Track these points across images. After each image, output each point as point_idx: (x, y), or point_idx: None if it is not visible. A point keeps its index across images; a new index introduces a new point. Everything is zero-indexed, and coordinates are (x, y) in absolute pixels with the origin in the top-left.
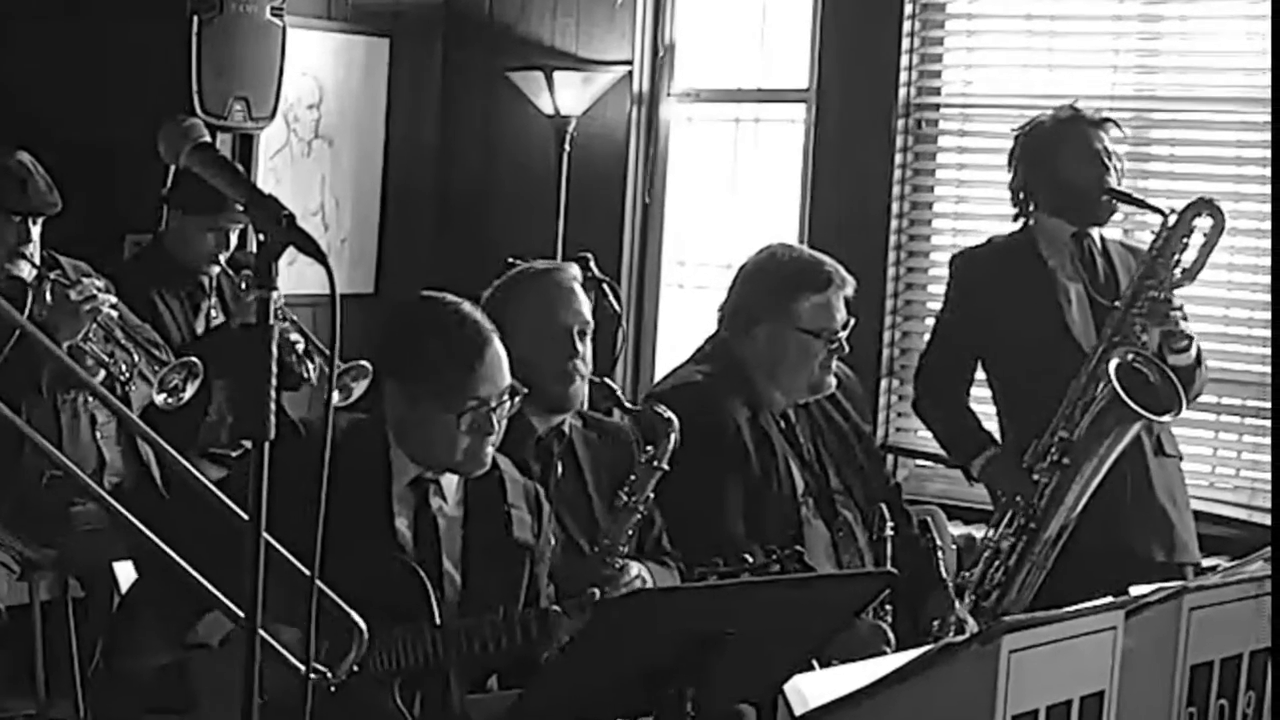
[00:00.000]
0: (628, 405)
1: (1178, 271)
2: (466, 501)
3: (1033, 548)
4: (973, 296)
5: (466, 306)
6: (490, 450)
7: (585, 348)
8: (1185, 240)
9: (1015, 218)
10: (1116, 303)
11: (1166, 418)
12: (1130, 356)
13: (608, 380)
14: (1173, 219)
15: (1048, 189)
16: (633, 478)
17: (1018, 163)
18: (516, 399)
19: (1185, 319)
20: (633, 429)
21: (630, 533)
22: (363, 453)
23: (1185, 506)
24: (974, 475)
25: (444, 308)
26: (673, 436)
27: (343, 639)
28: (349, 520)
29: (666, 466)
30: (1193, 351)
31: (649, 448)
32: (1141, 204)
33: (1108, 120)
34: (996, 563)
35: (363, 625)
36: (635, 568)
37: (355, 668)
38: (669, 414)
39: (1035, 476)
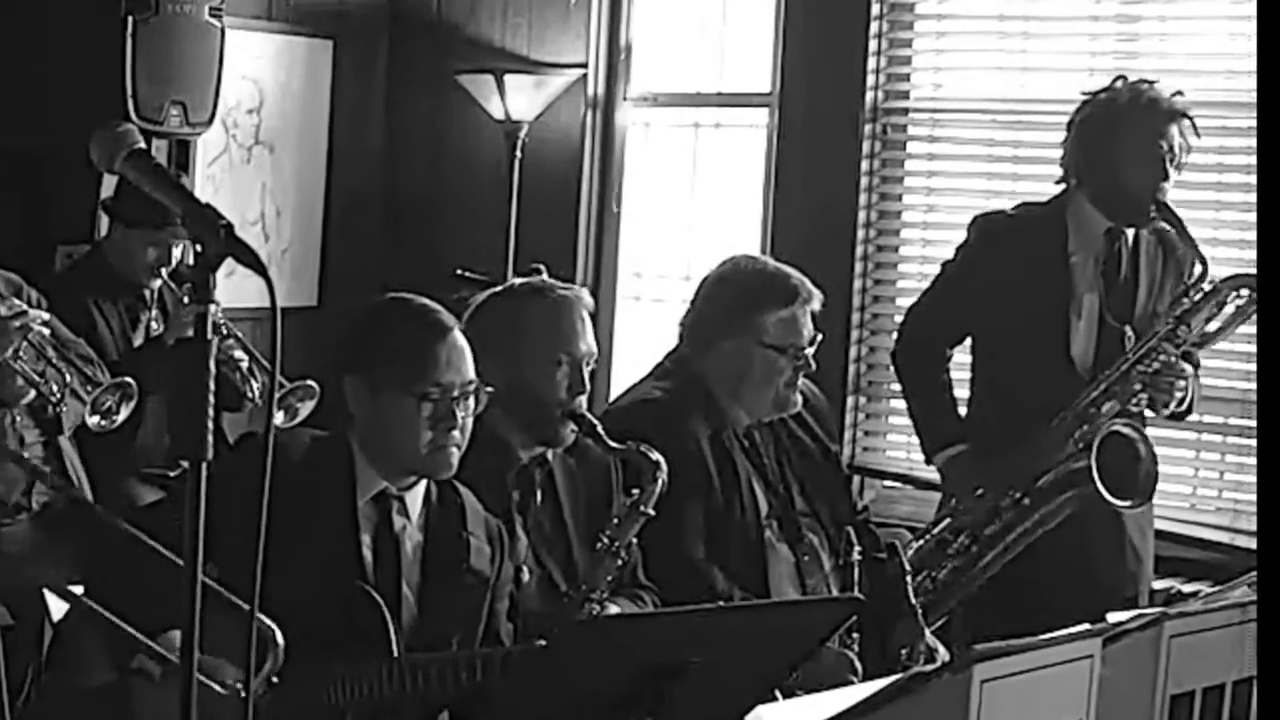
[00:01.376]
0: (612, 444)
1: (1196, 336)
2: (426, 526)
3: (966, 569)
4: (986, 264)
5: (427, 301)
6: (455, 451)
7: (588, 380)
8: (1217, 311)
9: (1057, 182)
10: (1127, 326)
11: (1130, 505)
12: (1125, 428)
13: (588, 414)
14: (1208, 284)
15: (1097, 177)
16: (615, 521)
17: (1075, 135)
18: (482, 398)
19: (1189, 389)
20: (613, 460)
21: (610, 578)
22: (328, 468)
23: (1150, 530)
24: (934, 463)
25: (405, 300)
26: (660, 480)
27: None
28: (313, 538)
29: (652, 511)
30: (1185, 405)
31: (634, 491)
32: (1188, 239)
33: (1185, 115)
34: (926, 569)
35: (279, 635)
36: (613, 610)
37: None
38: (656, 456)
39: (996, 488)
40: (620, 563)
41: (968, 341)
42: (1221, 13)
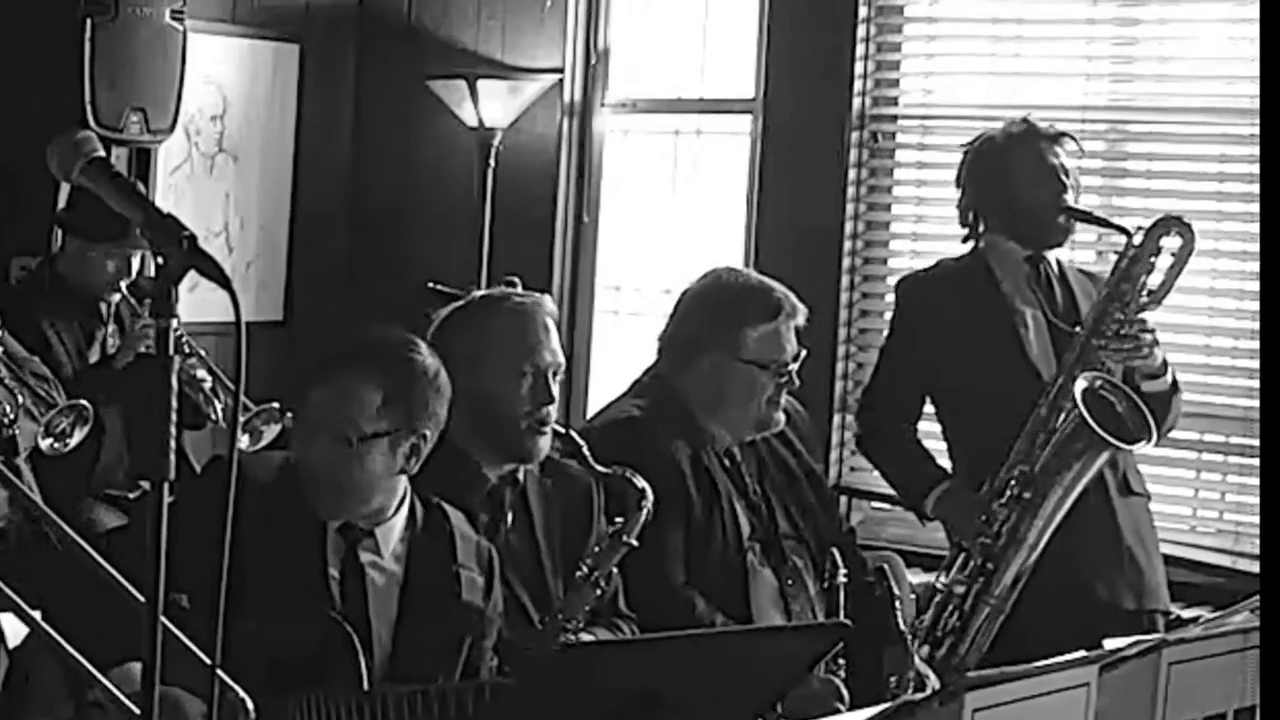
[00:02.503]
0: (597, 467)
1: (1144, 295)
2: (409, 558)
3: (990, 591)
4: (920, 324)
5: (396, 335)
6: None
7: (556, 391)
8: (1152, 261)
9: (965, 239)
10: (1078, 328)
11: (1137, 446)
12: (1098, 383)
13: (573, 433)
14: (1138, 238)
15: (1000, 209)
16: (596, 549)
17: (966, 180)
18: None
19: (1157, 343)
20: (595, 484)
21: (587, 608)
22: (296, 494)
23: (1155, 549)
24: (928, 513)
25: (344, 340)
26: (645, 509)
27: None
28: (277, 568)
29: (635, 542)
30: (1168, 378)
31: (618, 519)
32: (1104, 223)
33: (1063, 134)
34: (950, 607)
35: (250, 705)
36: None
37: None
38: (642, 483)
39: (995, 506)
40: (599, 593)
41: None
42: (1223, 16)
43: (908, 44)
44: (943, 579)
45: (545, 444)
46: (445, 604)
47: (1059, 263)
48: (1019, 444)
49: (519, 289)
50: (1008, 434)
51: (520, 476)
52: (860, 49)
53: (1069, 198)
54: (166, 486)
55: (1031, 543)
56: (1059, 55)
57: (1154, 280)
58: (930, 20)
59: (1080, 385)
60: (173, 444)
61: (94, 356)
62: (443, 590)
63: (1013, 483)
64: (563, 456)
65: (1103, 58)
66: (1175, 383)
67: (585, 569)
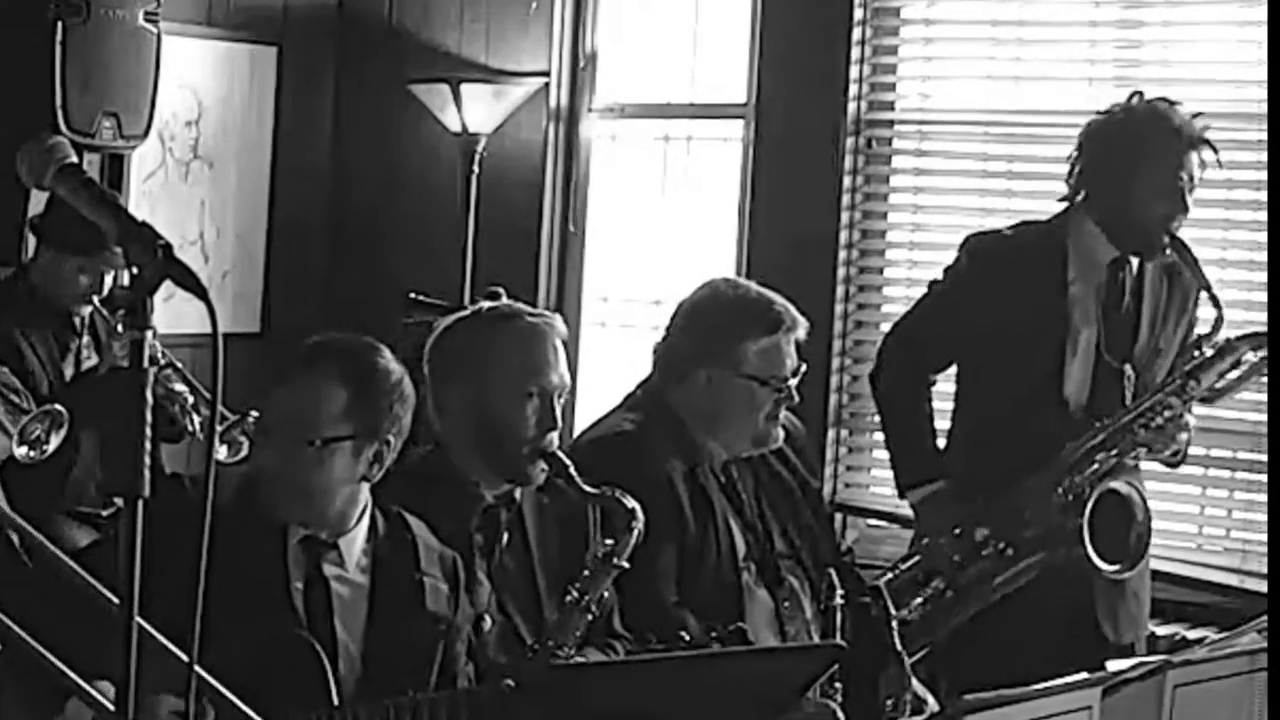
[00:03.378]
0: (585, 488)
1: (1205, 391)
2: (374, 568)
3: (936, 616)
4: (976, 291)
5: (360, 341)
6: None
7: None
8: (1230, 369)
9: (1062, 199)
10: (1126, 365)
11: (1117, 569)
12: (1123, 487)
13: (559, 453)
14: (1221, 339)
15: (1109, 201)
16: (586, 572)
17: (1088, 147)
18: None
19: (1190, 440)
20: (591, 504)
21: (578, 634)
22: (255, 510)
23: (1147, 573)
24: (909, 500)
25: (303, 344)
26: (635, 529)
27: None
28: (240, 585)
29: (626, 564)
30: (1179, 457)
31: (608, 541)
32: (1204, 282)
33: (1206, 141)
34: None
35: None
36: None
37: None
38: (632, 504)
39: (976, 533)
40: (590, 618)
41: (952, 369)
42: (1229, 18)
43: (904, 47)
44: (899, 568)
45: (544, 467)
46: (411, 614)
47: (1140, 269)
48: (1027, 486)
49: (510, 301)
50: (1013, 456)
51: (517, 495)
52: (855, 52)
53: (1180, 220)
54: (141, 504)
55: (990, 597)
56: (1061, 58)
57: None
58: (928, 22)
59: (1094, 498)
60: (148, 460)
61: (68, 368)
62: (408, 600)
63: (1002, 527)
64: (550, 478)
65: (1106, 61)
66: (1183, 460)
67: (575, 593)
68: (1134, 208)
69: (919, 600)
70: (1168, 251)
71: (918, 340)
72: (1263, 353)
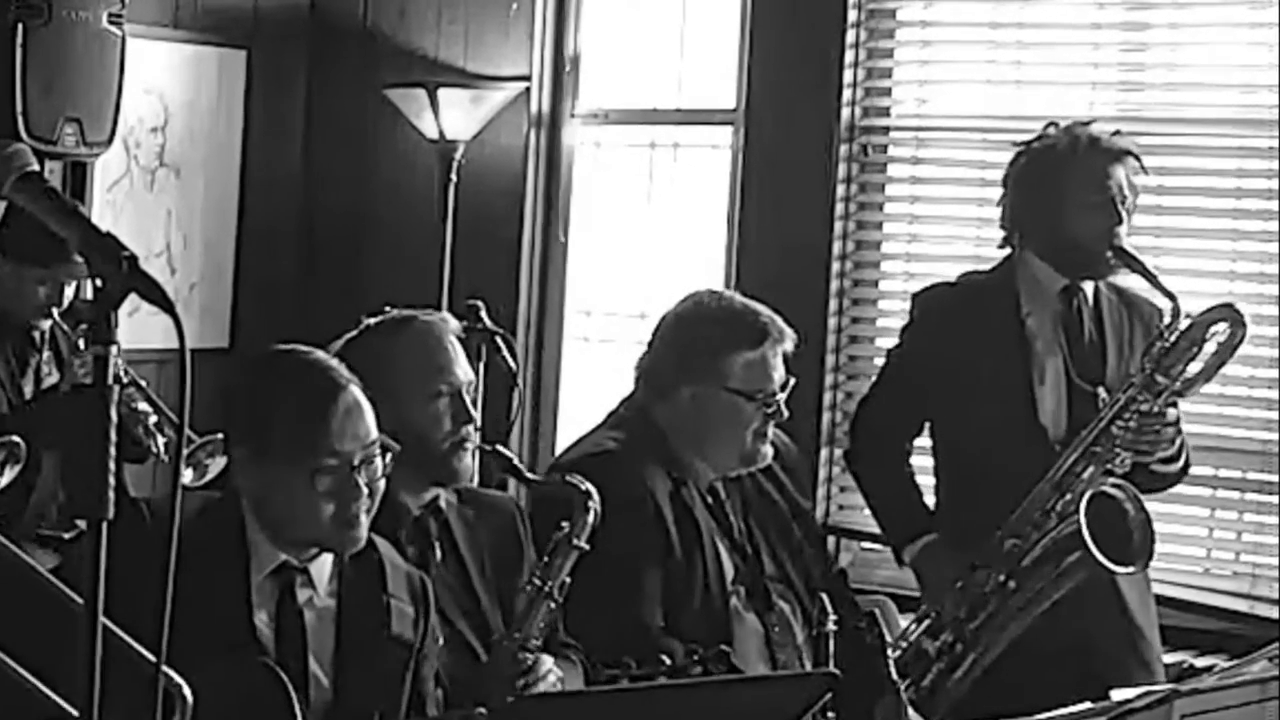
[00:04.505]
0: (528, 476)
1: (1179, 383)
2: (340, 591)
3: (953, 670)
4: (934, 344)
5: (318, 355)
6: (365, 520)
7: (474, 410)
8: (1195, 351)
9: (1001, 245)
10: (1099, 388)
11: (1131, 570)
12: (1110, 485)
13: (500, 447)
14: (1184, 320)
15: (1044, 231)
16: (545, 559)
17: (1013, 187)
18: (388, 457)
19: (1179, 433)
20: (522, 504)
21: (543, 624)
22: (216, 538)
23: (1153, 613)
24: (905, 560)
25: (288, 356)
26: (592, 510)
27: None
28: (201, 617)
29: (586, 545)
30: (1179, 463)
31: (563, 524)
32: (1153, 281)
33: (1128, 152)
34: (908, 677)
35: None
36: (548, 661)
37: None
38: (585, 484)
39: (976, 579)
40: (554, 604)
41: (926, 436)
42: (1239, 19)
43: (900, 50)
44: (912, 629)
45: (469, 465)
46: (377, 637)
47: (1095, 289)
48: (1016, 518)
49: (418, 311)
50: (1001, 495)
51: (442, 505)
52: (849, 55)
53: (1122, 231)
54: (105, 526)
55: (1006, 637)
56: (1063, 63)
57: (1191, 366)
58: (924, 24)
59: (1089, 492)
60: (112, 481)
61: (28, 385)
62: (374, 624)
63: (1000, 562)
64: (498, 472)
65: (1110, 65)
66: (1186, 465)
67: (536, 580)
68: (1068, 229)
69: (930, 659)
70: (1115, 265)
71: (888, 409)
72: (1225, 327)
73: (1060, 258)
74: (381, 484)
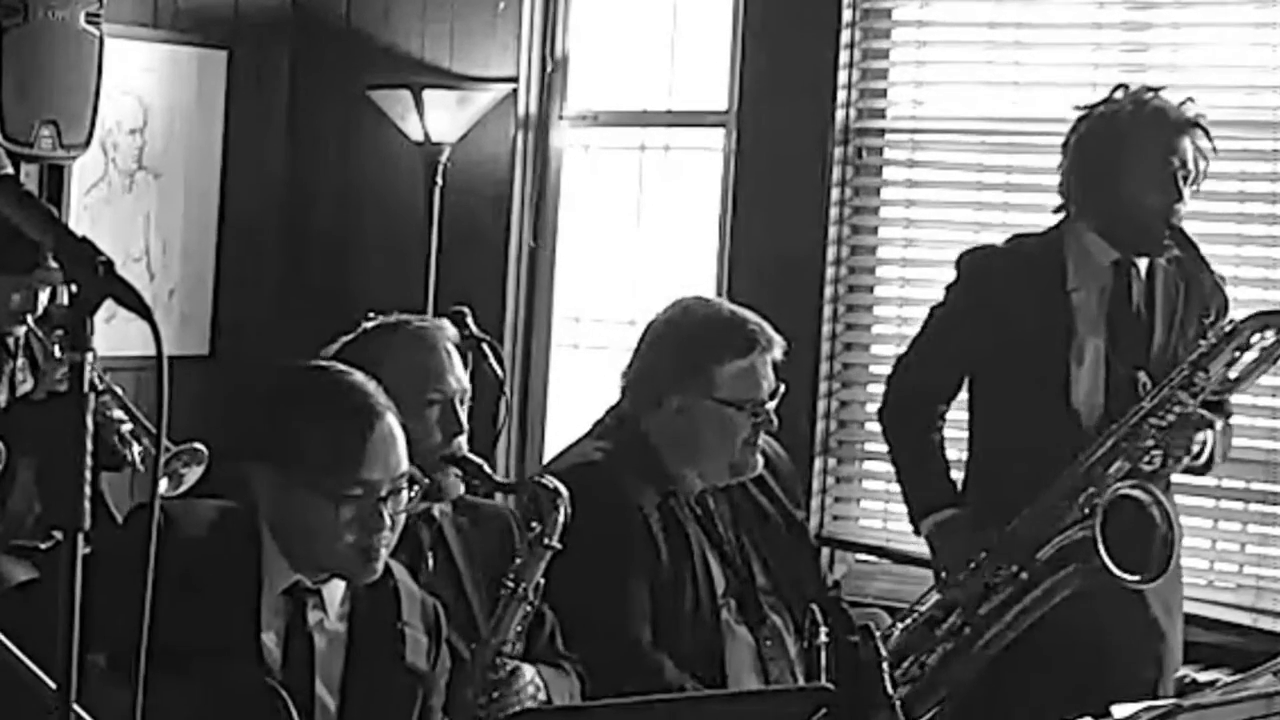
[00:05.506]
0: (499, 480)
1: (1216, 384)
2: (353, 616)
3: (958, 655)
4: (976, 307)
5: (357, 377)
6: (384, 552)
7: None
8: (1237, 355)
9: (1056, 210)
10: (1140, 371)
11: (1139, 579)
12: (1139, 492)
13: (467, 453)
14: (1227, 325)
15: (1099, 202)
16: (518, 561)
17: (1074, 153)
18: (416, 489)
19: (1210, 429)
20: (514, 511)
21: (519, 628)
22: (230, 551)
23: (1179, 612)
24: (921, 532)
25: (325, 375)
26: (562, 508)
27: None
28: (207, 631)
29: (558, 544)
30: (1203, 460)
31: (534, 525)
32: (1208, 270)
33: (1198, 125)
34: (914, 654)
35: None
36: (528, 671)
37: None
38: (554, 483)
39: (991, 563)
40: (529, 608)
41: (962, 400)
42: (1243, 19)
43: (896, 50)
44: (919, 608)
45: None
46: (389, 666)
47: (1151, 264)
48: (1039, 503)
49: (414, 316)
50: (1028, 476)
51: (435, 514)
52: (844, 57)
53: (1181, 210)
54: (82, 536)
55: (1015, 628)
56: (1062, 62)
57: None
58: (921, 24)
59: (1105, 500)
60: (88, 490)
61: (2, 392)
62: (386, 652)
63: (1016, 551)
64: (466, 478)
65: (1110, 66)
66: (1210, 462)
67: (510, 584)
68: (1126, 203)
69: (937, 639)
70: (1170, 246)
71: (924, 368)
72: (1272, 335)
73: (1115, 232)
74: (403, 517)
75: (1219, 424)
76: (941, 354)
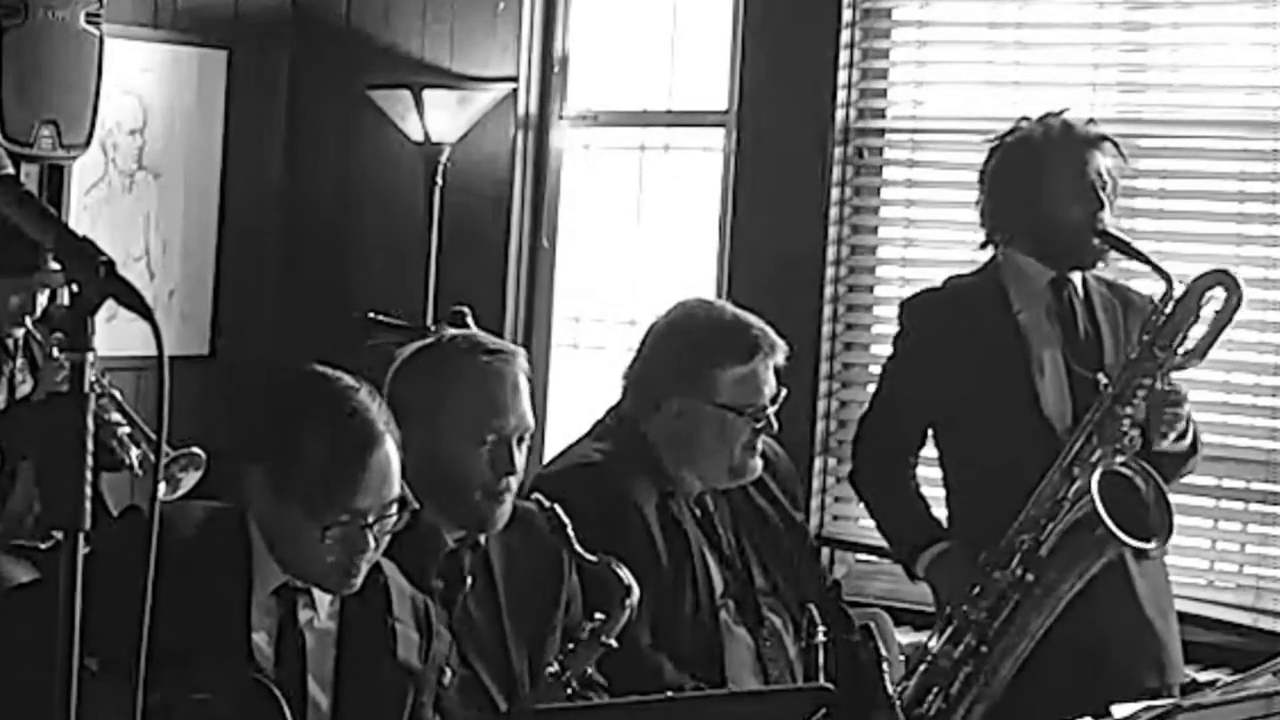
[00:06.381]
0: (582, 553)
1: (1178, 355)
2: (343, 613)
3: (980, 678)
4: (928, 350)
5: (363, 394)
6: (364, 569)
7: (521, 457)
8: (1193, 320)
9: (983, 246)
10: (1100, 374)
11: (1152, 545)
12: (1120, 463)
13: (558, 509)
14: (1178, 290)
15: (1026, 224)
16: (572, 647)
17: (990, 184)
18: (404, 513)
19: (1185, 409)
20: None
21: (588, 670)
22: (220, 551)
23: (1172, 614)
24: (917, 573)
25: (330, 387)
26: (629, 606)
27: None
28: (198, 630)
29: (615, 643)
30: (1188, 439)
31: (598, 616)
32: (1143, 259)
33: (1106, 139)
34: (937, 685)
35: None
36: None
37: None
38: (628, 579)
39: (993, 578)
40: (571, 690)
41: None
42: (1243, 19)
43: (896, 50)
44: (933, 643)
45: (505, 513)
46: (380, 662)
47: (1085, 282)
48: (1027, 511)
49: (478, 332)
50: (1013, 495)
51: (481, 538)
52: (844, 56)
53: (1105, 217)
54: (81, 537)
55: (1031, 631)
56: (1062, 63)
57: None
58: (921, 24)
59: (1098, 471)
60: (88, 490)
61: (1, 393)
62: (378, 648)
63: (1016, 557)
64: (549, 532)
65: (1111, 65)
66: (1195, 443)
67: (557, 667)
68: (1051, 220)
69: (956, 663)
70: (1101, 249)
71: (887, 419)
72: (1222, 292)
73: (1045, 250)
74: (387, 536)
75: (1189, 435)
76: (904, 405)
